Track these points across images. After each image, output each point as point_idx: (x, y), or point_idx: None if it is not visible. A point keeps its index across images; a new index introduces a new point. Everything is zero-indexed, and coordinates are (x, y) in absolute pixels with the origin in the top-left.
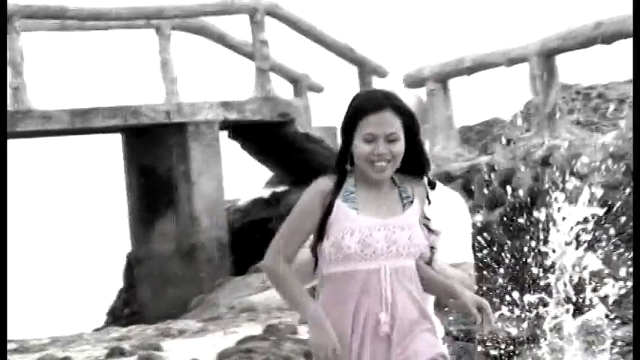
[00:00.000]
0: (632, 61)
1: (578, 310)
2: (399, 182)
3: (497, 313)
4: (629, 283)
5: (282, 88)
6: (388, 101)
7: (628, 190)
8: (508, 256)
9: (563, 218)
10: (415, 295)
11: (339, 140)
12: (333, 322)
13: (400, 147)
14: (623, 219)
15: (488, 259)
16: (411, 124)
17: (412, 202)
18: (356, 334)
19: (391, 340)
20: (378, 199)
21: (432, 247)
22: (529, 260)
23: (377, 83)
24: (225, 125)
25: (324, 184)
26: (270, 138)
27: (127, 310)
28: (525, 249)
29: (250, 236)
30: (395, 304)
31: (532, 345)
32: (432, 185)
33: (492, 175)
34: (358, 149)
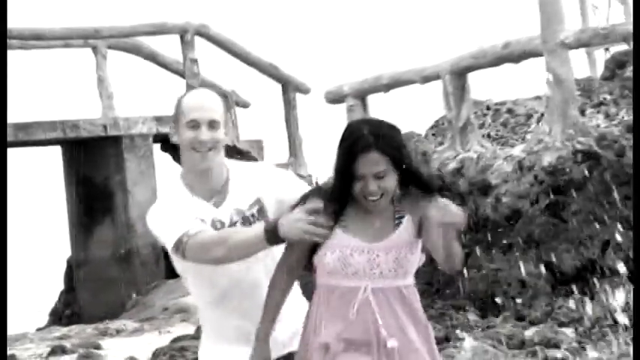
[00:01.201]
0: (632, 61)
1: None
2: (397, 202)
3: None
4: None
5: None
6: (374, 141)
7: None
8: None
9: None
10: (404, 318)
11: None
12: (320, 330)
13: (389, 182)
14: (530, 226)
15: None
16: (399, 157)
17: (404, 220)
18: (337, 347)
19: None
20: (366, 220)
21: None
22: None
23: (300, 99)
24: (159, 138)
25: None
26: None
27: (67, 311)
28: None
29: None
30: (384, 325)
31: (446, 345)
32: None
33: None
34: (354, 186)
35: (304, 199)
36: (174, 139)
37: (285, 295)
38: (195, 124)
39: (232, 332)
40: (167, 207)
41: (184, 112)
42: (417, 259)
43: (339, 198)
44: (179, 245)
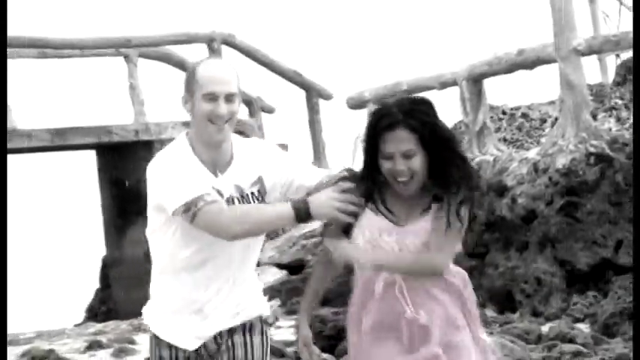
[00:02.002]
0: (632, 61)
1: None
2: (432, 188)
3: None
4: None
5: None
6: (402, 118)
7: (548, 200)
8: None
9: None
10: (436, 293)
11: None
12: (355, 325)
13: (417, 162)
14: (545, 226)
15: None
16: (428, 138)
17: (434, 207)
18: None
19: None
20: (398, 204)
21: None
22: (461, 263)
23: (322, 105)
24: None
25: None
26: None
27: (103, 308)
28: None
29: None
30: (419, 307)
31: None
32: (474, 194)
33: None
34: (382, 166)
35: (335, 180)
36: (186, 108)
37: (324, 282)
38: (213, 97)
39: (190, 303)
40: (176, 165)
41: (201, 83)
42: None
43: (369, 178)
44: (191, 207)
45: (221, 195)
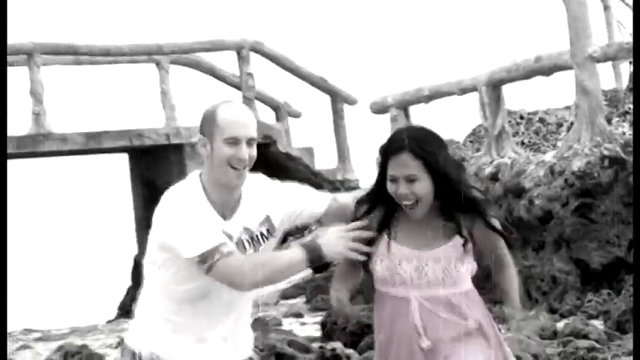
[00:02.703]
0: (633, 62)
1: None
2: (444, 215)
3: None
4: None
5: (265, 114)
6: (407, 143)
7: (564, 201)
8: None
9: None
10: (454, 321)
11: (315, 159)
12: (381, 340)
13: (421, 187)
14: (561, 226)
15: None
16: (433, 163)
17: (455, 234)
18: (393, 354)
19: None
20: (417, 230)
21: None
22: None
23: (347, 110)
24: None
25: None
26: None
27: (134, 305)
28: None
29: None
30: (426, 332)
31: None
32: (488, 225)
33: None
34: (388, 189)
35: (357, 203)
36: (203, 151)
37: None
38: (235, 141)
39: (192, 332)
40: (189, 209)
41: (222, 127)
42: (469, 269)
43: (379, 201)
44: (207, 259)
45: (230, 238)
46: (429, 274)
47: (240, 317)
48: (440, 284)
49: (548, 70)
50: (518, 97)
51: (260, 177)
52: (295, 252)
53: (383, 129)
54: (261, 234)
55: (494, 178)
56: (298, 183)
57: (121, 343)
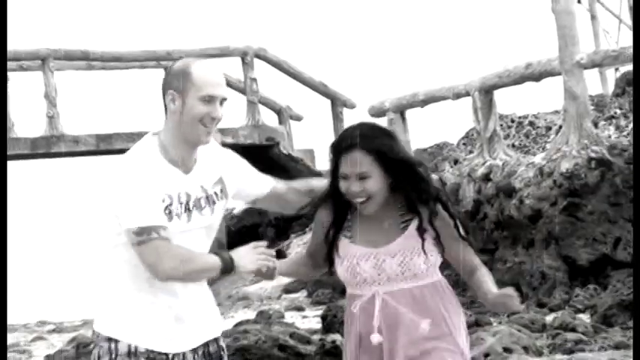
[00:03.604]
0: (633, 61)
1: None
2: (401, 207)
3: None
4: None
5: (268, 117)
6: (358, 141)
7: (553, 201)
8: None
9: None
10: (419, 315)
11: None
12: (346, 339)
13: (373, 184)
14: (550, 225)
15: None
16: (385, 159)
17: (409, 226)
18: (358, 354)
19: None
20: (373, 227)
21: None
22: None
23: (346, 113)
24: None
25: (322, 216)
26: (259, 158)
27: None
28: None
29: (243, 238)
30: (392, 327)
31: (476, 328)
32: (444, 206)
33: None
34: (340, 187)
35: (312, 204)
36: (171, 107)
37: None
38: (210, 100)
39: (164, 310)
40: (139, 176)
41: (199, 84)
42: (430, 261)
43: (333, 200)
44: (143, 234)
45: (188, 196)
46: (387, 270)
47: (208, 293)
48: (400, 279)
49: (537, 76)
50: (509, 102)
51: (212, 141)
52: (213, 259)
53: None
54: (215, 193)
55: (486, 178)
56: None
57: (93, 333)
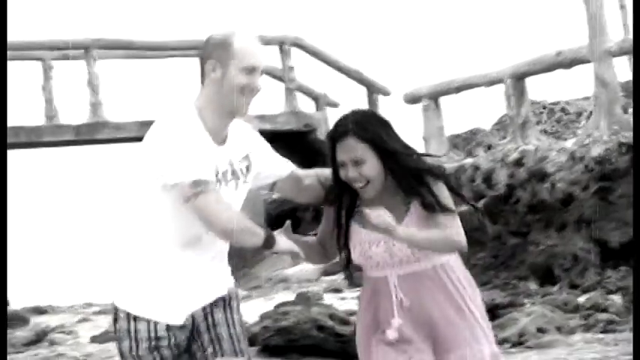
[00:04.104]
0: (633, 61)
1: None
2: (403, 191)
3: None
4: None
5: (305, 104)
6: (350, 128)
7: (584, 185)
8: (490, 238)
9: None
10: (435, 294)
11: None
12: (359, 317)
13: (369, 168)
14: (581, 208)
15: (474, 240)
16: (379, 144)
17: (411, 208)
18: (375, 335)
19: (408, 342)
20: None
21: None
22: (507, 241)
23: (381, 100)
24: (261, 134)
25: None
26: (297, 144)
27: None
28: (503, 233)
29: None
30: (410, 309)
31: (511, 309)
32: (452, 191)
33: (476, 174)
34: (340, 174)
35: (327, 192)
36: (212, 76)
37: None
38: (251, 71)
39: (190, 273)
40: (186, 138)
41: (241, 55)
42: None
43: (340, 188)
44: (199, 186)
45: (217, 168)
46: (397, 253)
47: (225, 253)
48: (412, 260)
49: (568, 64)
50: (541, 89)
51: (241, 120)
52: (259, 230)
53: (415, 118)
54: (241, 170)
55: (519, 163)
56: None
57: (114, 309)
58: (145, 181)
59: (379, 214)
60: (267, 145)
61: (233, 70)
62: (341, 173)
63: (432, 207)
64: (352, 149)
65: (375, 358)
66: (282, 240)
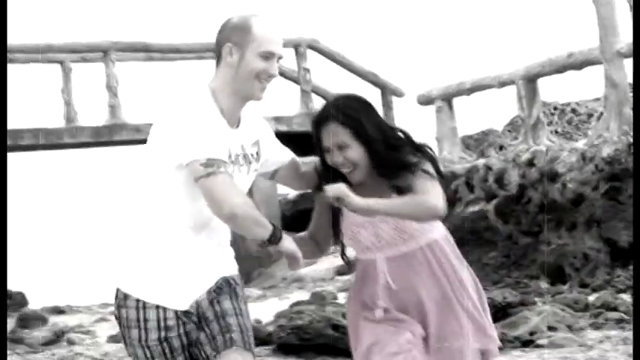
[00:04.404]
0: (633, 62)
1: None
2: (390, 176)
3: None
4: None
5: (320, 106)
6: (331, 112)
7: (595, 185)
8: (502, 237)
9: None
10: (432, 277)
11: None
12: (356, 298)
13: (352, 153)
14: (591, 208)
15: (486, 240)
16: (360, 129)
17: (396, 191)
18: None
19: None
20: (367, 196)
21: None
22: (518, 241)
23: (395, 102)
24: (277, 135)
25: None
26: (311, 145)
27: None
28: (514, 232)
29: (298, 222)
30: (398, 292)
31: (522, 308)
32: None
33: (488, 174)
34: (326, 160)
35: (319, 176)
36: (228, 60)
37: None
38: (269, 56)
39: (197, 256)
40: (201, 117)
41: (260, 40)
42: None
43: (330, 174)
44: (212, 166)
45: (230, 150)
46: (384, 236)
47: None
48: (398, 242)
49: (579, 65)
50: (552, 90)
51: (253, 107)
52: (267, 223)
53: (429, 119)
54: (252, 154)
55: (530, 163)
56: None
57: (118, 294)
58: (159, 162)
59: (334, 187)
60: (272, 132)
61: (250, 54)
62: (327, 158)
63: (402, 190)
64: (334, 134)
65: (363, 335)
66: (288, 240)
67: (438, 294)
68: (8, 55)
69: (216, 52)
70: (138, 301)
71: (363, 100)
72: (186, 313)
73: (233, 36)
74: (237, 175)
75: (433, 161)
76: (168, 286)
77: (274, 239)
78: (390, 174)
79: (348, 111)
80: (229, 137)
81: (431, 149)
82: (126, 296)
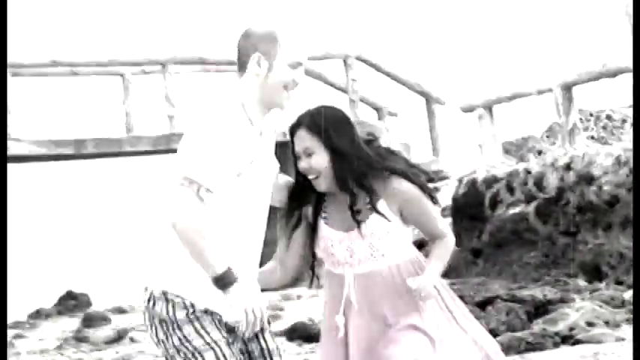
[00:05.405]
0: (633, 62)
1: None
2: (358, 189)
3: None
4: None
5: (368, 115)
6: (303, 120)
7: (629, 187)
8: (541, 237)
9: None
10: (390, 298)
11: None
12: (325, 310)
13: (317, 160)
14: (626, 209)
15: (526, 240)
16: (327, 139)
17: (374, 207)
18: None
19: (354, 341)
20: (343, 209)
21: None
22: (557, 241)
23: (439, 110)
24: None
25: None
26: None
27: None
28: (553, 233)
29: None
30: (360, 309)
31: (561, 305)
32: (407, 178)
33: (528, 178)
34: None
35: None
36: (256, 69)
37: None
38: (297, 65)
39: (252, 253)
40: (224, 138)
41: (287, 50)
42: (397, 238)
43: (302, 183)
44: (187, 181)
45: (254, 159)
46: (357, 252)
47: None
48: (370, 260)
49: (613, 74)
50: (587, 98)
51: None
52: (219, 261)
53: (471, 126)
54: (272, 164)
55: (568, 167)
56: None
57: (149, 293)
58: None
59: (423, 287)
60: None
61: (280, 65)
62: (298, 165)
63: (374, 206)
64: (302, 140)
65: (324, 354)
66: (247, 295)
67: (399, 302)
68: (72, 68)
69: (239, 61)
70: (194, 305)
71: (338, 112)
72: (229, 330)
73: (260, 46)
74: (260, 183)
75: (423, 188)
76: (220, 296)
77: (219, 281)
78: (348, 189)
79: (318, 119)
80: (256, 145)
81: (427, 173)
82: (184, 301)
